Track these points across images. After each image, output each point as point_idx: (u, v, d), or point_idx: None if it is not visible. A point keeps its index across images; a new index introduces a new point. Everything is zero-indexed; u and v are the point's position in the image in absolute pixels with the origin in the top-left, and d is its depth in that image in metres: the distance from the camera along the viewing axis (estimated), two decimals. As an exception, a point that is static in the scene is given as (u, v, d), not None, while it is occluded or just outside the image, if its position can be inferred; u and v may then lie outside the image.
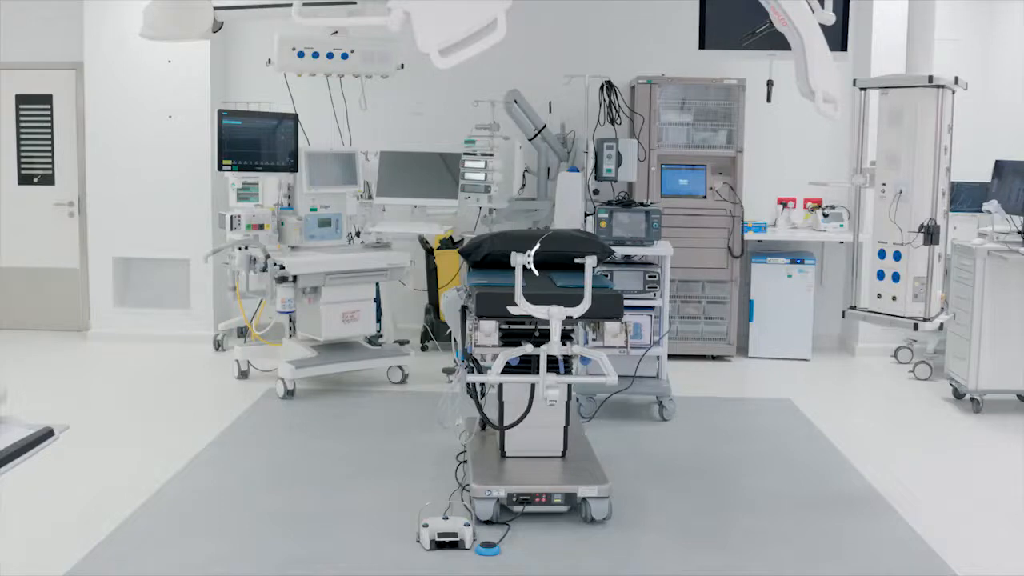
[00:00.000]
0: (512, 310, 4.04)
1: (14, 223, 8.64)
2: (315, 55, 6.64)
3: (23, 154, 8.70)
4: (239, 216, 6.57)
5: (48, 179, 8.70)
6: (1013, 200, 6.53)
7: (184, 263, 8.28)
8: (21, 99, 8.67)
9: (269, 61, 6.73)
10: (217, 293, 8.26)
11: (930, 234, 4.71)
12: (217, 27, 6.71)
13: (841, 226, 8.17)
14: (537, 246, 3.95)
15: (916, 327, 4.81)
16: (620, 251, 6.14)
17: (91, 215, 8.39)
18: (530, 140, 7.44)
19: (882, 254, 4.92)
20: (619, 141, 6.97)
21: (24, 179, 8.71)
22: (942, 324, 5.05)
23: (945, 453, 5.73)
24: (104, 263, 8.38)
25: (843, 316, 5.30)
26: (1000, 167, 6.87)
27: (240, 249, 6.47)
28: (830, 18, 4.34)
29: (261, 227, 6.60)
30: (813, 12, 4.16)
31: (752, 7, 4.10)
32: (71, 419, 2.87)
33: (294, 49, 6.63)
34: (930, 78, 4.70)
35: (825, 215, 8.26)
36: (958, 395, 6.67)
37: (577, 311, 4.09)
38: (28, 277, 8.78)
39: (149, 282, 8.51)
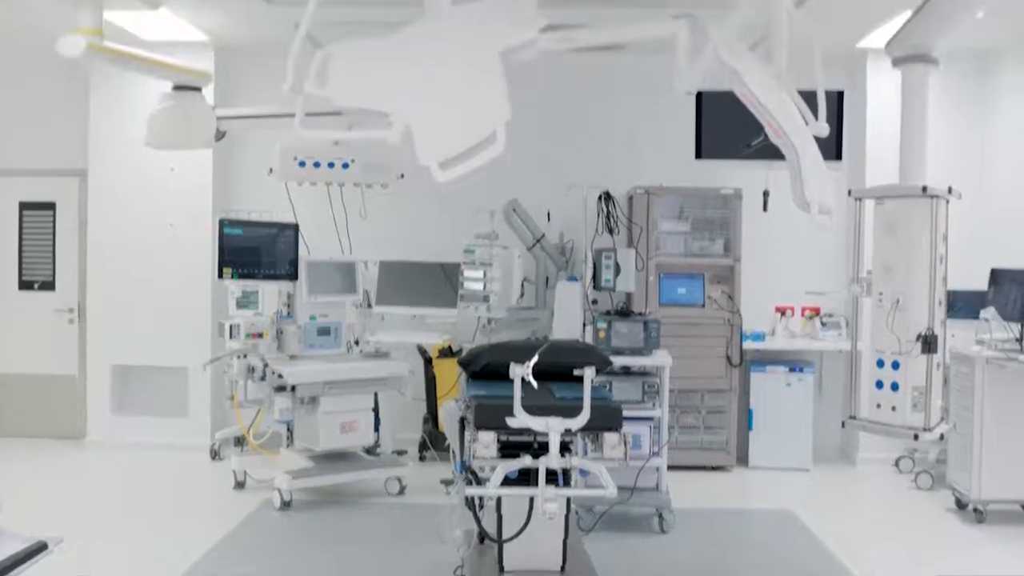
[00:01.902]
0: (511, 422, 4.01)
1: (13, 329, 8.66)
2: (316, 165, 6.72)
3: (25, 260, 8.75)
4: (238, 325, 6.58)
5: (48, 285, 8.74)
6: (1010, 307, 6.54)
7: (182, 371, 8.27)
8: (25, 206, 8.76)
9: (271, 170, 6.81)
10: (215, 401, 8.24)
11: (928, 344, 4.71)
12: (220, 136, 6.79)
13: (840, 334, 8.17)
14: (536, 358, 3.94)
15: (916, 437, 4.78)
16: (619, 361, 6.13)
17: (91, 321, 8.42)
18: (529, 249, 7.48)
19: (880, 363, 4.91)
20: (617, 251, 7.01)
21: (25, 285, 8.74)
22: (942, 434, 5.02)
23: (948, 565, 5.65)
24: (102, 370, 8.37)
25: (843, 426, 5.28)
26: (996, 275, 6.90)
27: (239, 358, 6.47)
28: (824, 130, 4.40)
29: (260, 336, 6.61)
30: (807, 124, 4.21)
31: (748, 118, 4.16)
32: (65, 528, 2.84)
33: (295, 158, 6.71)
34: (924, 188, 4.75)
35: (823, 323, 8.27)
36: (961, 505, 6.60)
37: (576, 423, 4.06)
38: (26, 383, 8.75)
39: (147, 390, 8.49)
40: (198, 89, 6.40)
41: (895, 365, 4.83)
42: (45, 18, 6.69)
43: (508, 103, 3.25)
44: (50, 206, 8.75)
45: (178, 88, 6.36)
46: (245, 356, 6.47)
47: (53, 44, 5.40)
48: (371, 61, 3.47)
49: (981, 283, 7.04)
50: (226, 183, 8.54)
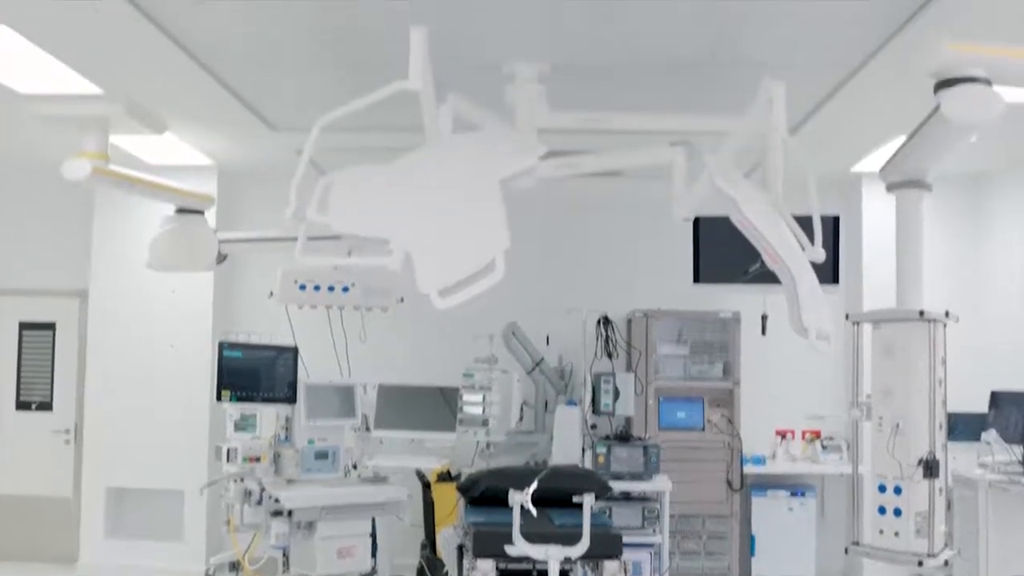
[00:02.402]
0: (510, 550, 3.97)
1: (9, 449, 8.59)
2: (316, 288, 6.75)
3: (23, 380, 8.73)
4: (236, 448, 6.53)
5: (46, 405, 8.70)
6: (1011, 430, 6.52)
7: (178, 494, 8.18)
8: (25, 326, 8.77)
9: (271, 293, 6.83)
10: (211, 526, 8.13)
11: (930, 468, 4.68)
12: (221, 259, 6.84)
13: (841, 458, 8.12)
14: (535, 484, 3.92)
15: (921, 564, 4.71)
16: (618, 487, 6.09)
17: (87, 443, 8.36)
18: (528, 373, 7.48)
19: (882, 488, 4.87)
20: (616, 375, 7.01)
21: (22, 405, 8.71)
22: (947, 560, 4.95)
23: None
24: (97, 492, 8.29)
25: (846, 552, 5.21)
26: (996, 397, 6.89)
27: (236, 482, 6.41)
28: (820, 255, 4.44)
29: (257, 459, 6.55)
30: (804, 250, 4.25)
31: (745, 243, 4.20)
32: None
33: (296, 282, 6.74)
34: (921, 312, 4.78)
35: (824, 447, 8.22)
36: (968, 633, 6.49)
37: (575, 552, 4.02)
38: (19, 505, 8.64)
39: (142, 513, 8.39)
40: (201, 212, 6.47)
41: (897, 490, 4.79)
42: (50, 139, 6.80)
43: (507, 231, 3.29)
44: (50, 326, 8.76)
45: (181, 211, 6.43)
46: (242, 480, 6.40)
47: (57, 165, 5.48)
48: (372, 188, 3.52)
49: (981, 405, 7.02)
50: (227, 305, 8.58)
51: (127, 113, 5.98)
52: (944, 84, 4.09)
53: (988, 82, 4.04)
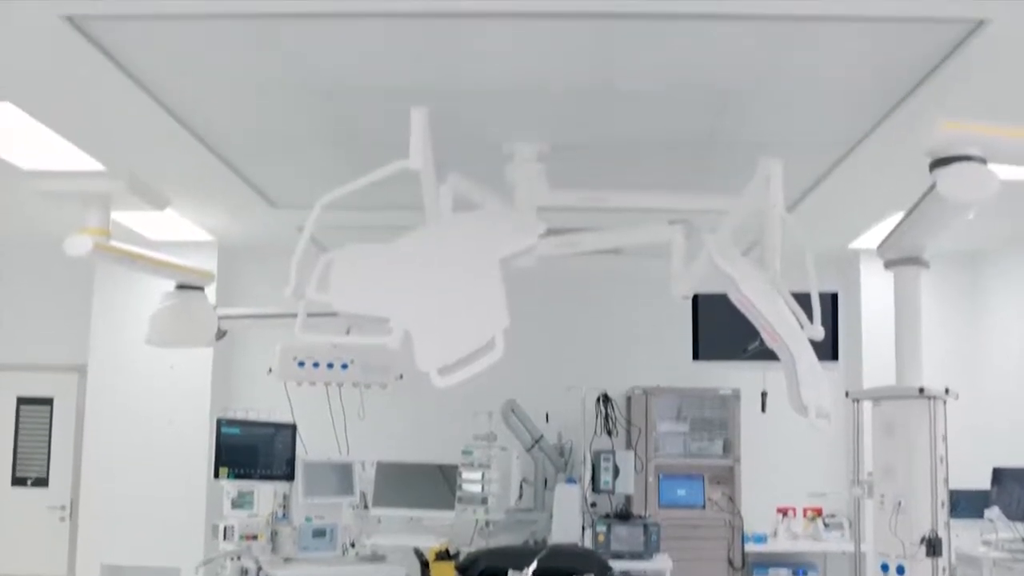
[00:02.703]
0: (509, 630, 3.92)
1: (3, 527, 8.50)
2: (315, 365, 6.73)
3: (20, 456, 8.67)
4: (232, 526, 6.47)
5: (42, 481, 8.63)
6: (1014, 507, 6.47)
7: (174, 572, 8.07)
8: (22, 400, 8.74)
9: (270, 369, 6.82)
10: (206, 604, 8.03)
11: (932, 546, 4.64)
12: (221, 335, 6.84)
13: (843, 535, 8.04)
14: (534, 564, 3.88)
15: (926, 645, 4.66)
16: (619, 566, 6.02)
17: (82, 519, 8.28)
18: (527, 451, 7.45)
19: (885, 567, 4.82)
20: (616, 453, 6.99)
21: (18, 481, 8.64)
22: (952, 640, 4.90)
23: None
24: (92, 570, 8.18)
25: (850, 633, 5.15)
26: (999, 474, 6.85)
27: (232, 560, 6.35)
28: (819, 333, 4.44)
29: (255, 537, 6.49)
30: (803, 328, 4.25)
31: (745, 320, 4.21)
32: None
33: (295, 358, 6.73)
34: (921, 390, 4.77)
35: (826, 524, 8.15)
36: None
37: (575, 633, 3.97)
38: (13, 585, 8.56)
39: (137, 591, 8.29)
40: (201, 288, 6.49)
41: (900, 569, 4.74)
42: (51, 215, 6.84)
43: (507, 310, 3.30)
44: (48, 401, 8.73)
45: (181, 287, 6.44)
46: (239, 558, 6.34)
47: (58, 240, 5.49)
48: (372, 267, 3.54)
49: (983, 482, 6.98)
50: (226, 381, 8.56)
51: (129, 189, 6.02)
52: (939, 162, 4.12)
53: (983, 160, 4.07)
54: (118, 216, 6.83)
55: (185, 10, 3.86)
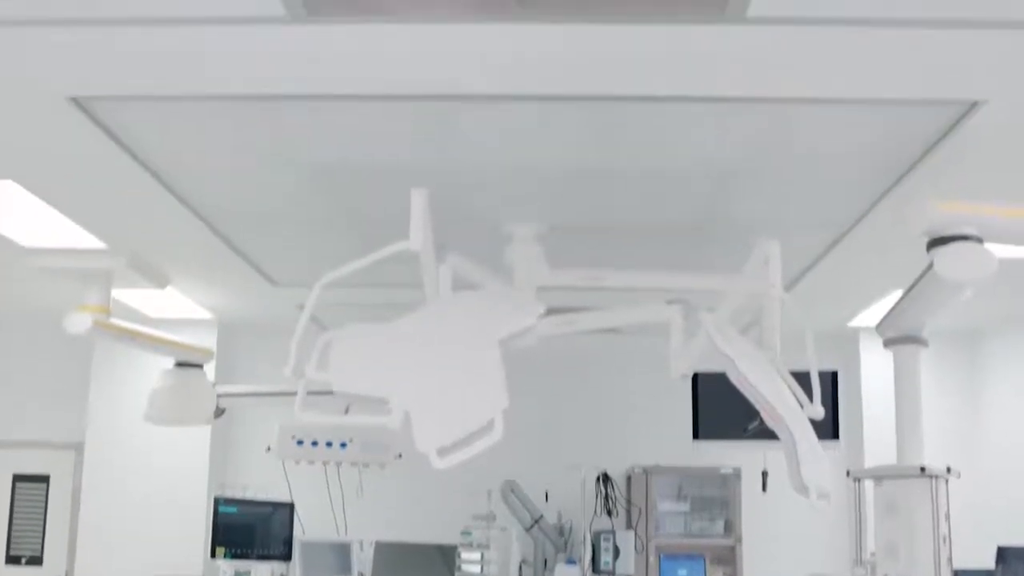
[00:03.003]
0: None
1: (-4, 607, 8.41)
2: (314, 443, 6.72)
3: (14, 533, 8.58)
4: (229, 607, 6.41)
5: (36, 560, 8.52)
6: (1020, 585, 6.41)
7: (170, 653, 7.98)
8: (18, 478, 8.67)
9: (268, 448, 6.80)
10: None
11: (938, 630, 4.59)
12: (219, 412, 6.83)
13: (846, 618, 7.96)
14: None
15: None
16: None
17: (75, 600, 8.19)
18: (527, 530, 7.39)
19: (890, 651, 4.76)
20: (616, 533, 6.94)
21: (12, 559, 8.53)
22: None
23: None
24: (86, 652, 8.07)
25: None
26: (1003, 553, 6.78)
27: (228, 641, 6.28)
28: (819, 413, 4.43)
29: (251, 618, 6.43)
30: (802, 407, 4.24)
31: (745, 399, 4.20)
32: None
33: (293, 437, 6.72)
34: (922, 468, 4.74)
35: (830, 606, 8.06)
36: None
37: None
38: (3, 668, 8.44)
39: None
40: (200, 365, 6.49)
41: (906, 650, 4.69)
42: (50, 291, 6.86)
43: (506, 391, 3.30)
44: (44, 479, 8.66)
45: (180, 364, 6.45)
46: (235, 639, 6.27)
47: (57, 316, 5.52)
48: (372, 347, 3.54)
49: (988, 561, 6.91)
50: (224, 459, 8.50)
51: (130, 267, 6.07)
52: (936, 242, 4.14)
53: (980, 240, 4.10)
54: (118, 293, 6.85)
55: (186, 91, 3.91)
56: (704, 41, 3.41)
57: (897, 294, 5.06)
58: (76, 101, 4.03)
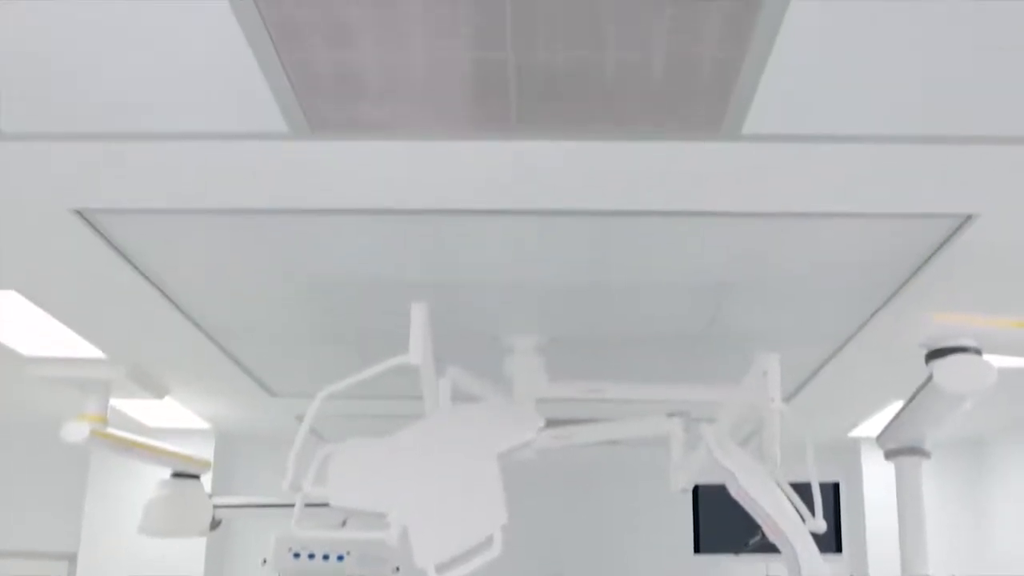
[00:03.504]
0: None
1: None
2: (311, 556, 6.63)
3: (3, 648, 8.46)
4: None
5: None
6: None
7: None
8: (9, 589, 8.57)
9: (264, 561, 6.71)
10: None
11: None
12: (215, 524, 6.76)
13: None
14: None
15: None
16: None
17: None
18: (525, 643, 7.26)
19: None
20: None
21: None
22: None
23: None
24: None
25: None
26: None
27: None
28: (821, 527, 4.40)
29: None
30: (804, 520, 4.21)
31: (746, 512, 4.17)
32: None
33: (290, 549, 6.63)
34: (926, 580, 4.69)
35: None
36: None
37: None
38: None
39: None
40: (197, 476, 6.45)
41: None
42: (47, 399, 6.85)
43: (505, 507, 3.29)
44: (36, 590, 8.56)
45: (177, 475, 6.41)
46: None
47: (53, 424, 5.49)
48: (370, 461, 3.54)
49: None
50: (219, 571, 8.40)
51: (129, 378, 6.07)
52: (935, 354, 4.16)
53: (979, 351, 4.11)
54: (116, 403, 6.84)
55: (189, 205, 3.96)
56: (700, 157, 3.46)
57: (897, 405, 5.05)
58: (80, 213, 4.07)
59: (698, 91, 3.04)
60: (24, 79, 3.04)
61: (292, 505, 3.56)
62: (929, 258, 4.41)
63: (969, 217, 3.97)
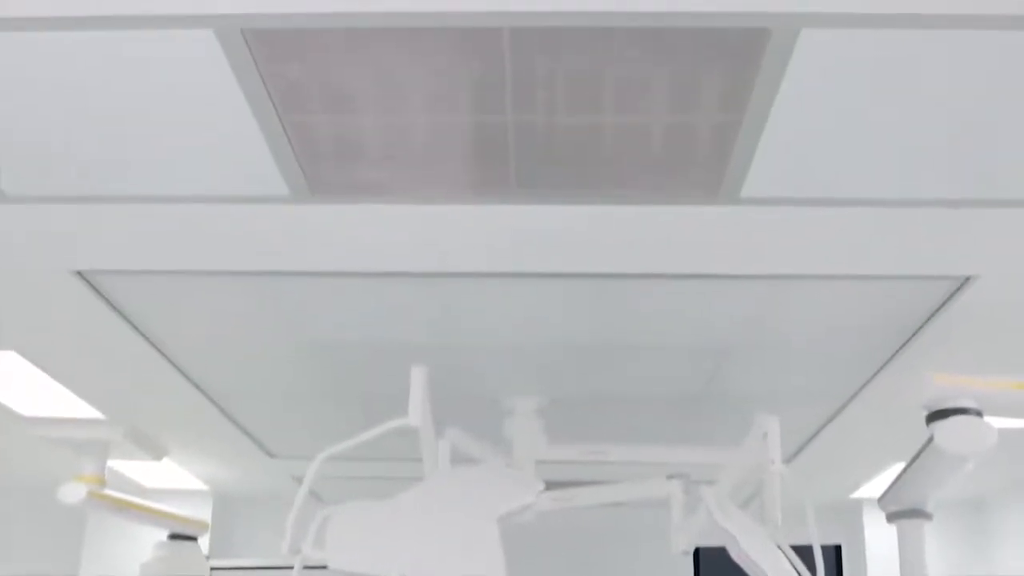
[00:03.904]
0: None
1: None
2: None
3: None
4: None
5: None
6: None
7: None
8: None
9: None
10: None
11: None
12: (212, 587, 6.71)
13: None
14: None
15: None
16: None
17: None
18: None
19: None
20: None
21: None
22: None
23: None
24: None
25: None
26: None
27: None
28: (822, 588, 4.38)
29: None
30: (806, 583, 4.18)
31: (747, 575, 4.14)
32: None
33: (287, 614, 6.58)
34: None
35: None
36: None
37: None
38: None
39: None
40: (194, 538, 6.40)
41: None
42: (44, 459, 6.81)
43: (505, 570, 3.27)
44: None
45: (174, 537, 6.36)
46: None
47: (48, 485, 5.45)
48: (370, 524, 3.52)
49: None
50: (215, 634, 8.31)
51: (127, 439, 6.04)
52: (936, 415, 4.14)
53: (979, 413, 4.10)
54: (114, 463, 6.81)
55: (191, 267, 3.98)
56: (699, 221, 3.48)
57: (899, 466, 5.02)
58: (81, 275, 4.09)
59: (696, 155, 3.06)
60: (26, 142, 3.07)
61: (291, 567, 3.54)
62: (928, 319, 4.42)
63: (968, 279, 3.99)
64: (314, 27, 2.50)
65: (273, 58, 2.63)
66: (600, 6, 2.37)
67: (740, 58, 2.59)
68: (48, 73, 2.70)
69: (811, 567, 4.19)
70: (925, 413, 4.19)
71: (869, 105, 2.78)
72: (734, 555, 4.03)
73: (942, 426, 4.11)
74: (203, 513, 7.26)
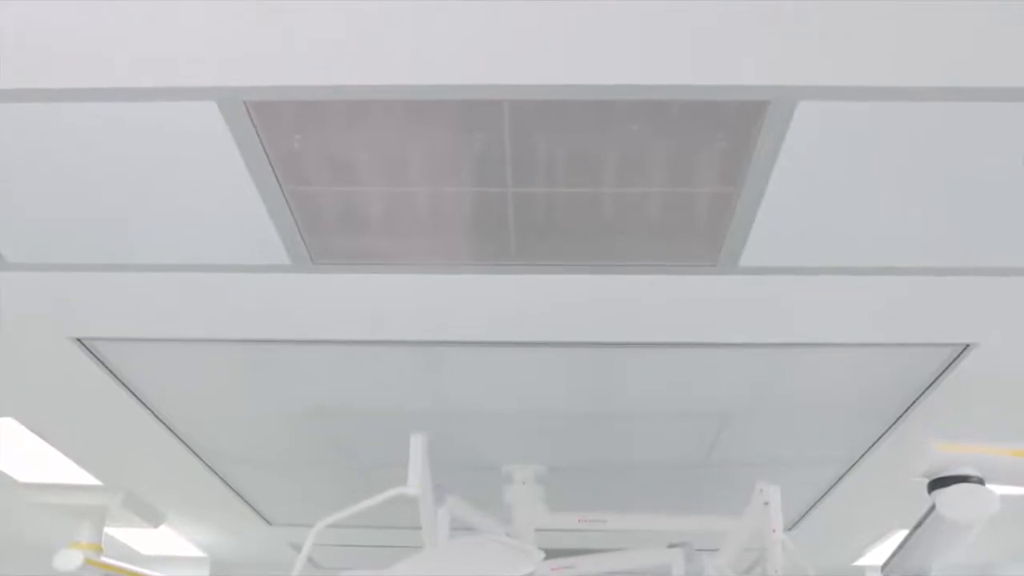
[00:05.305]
0: None
1: None
2: None
3: None
4: None
5: None
6: None
7: None
8: None
9: None
10: None
11: None
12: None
13: None
14: None
15: None
16: None
17: None
18: None
19: None
20: None
21: None
22: None
23: None
24: None
25: None
26: None
27: None
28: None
29: None
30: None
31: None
32: None
33: None
34: None
35: None
36: None
37: None
38: None
39: None
40: (191, 608, 6.35)
41: None
42: (41, 525, 6.76)
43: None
44: None
45: (171, 607, 6.31)
46: None
47: (46, 552, 5.40)
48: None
49: None
50: None
51: (124, 506, 6.02)
52: (937, 483, 4.12)
53: (981, 480, 4.08)
54: (110, 530, 6.76)
55: (190, 335, 3.98)
56: (698, 290, 3.49)
57: (902, 533, 4.97)
58: (80, 341, 4.09)
59: (695, 226, 3.08)
60: (28, 209, 3.08)
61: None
62: (929, 387, 4.41)
63: (968, 346, 3.99)
64: (316, 99, 2.52)
65: (275, 129, 2.65)
66: (599, 79, 2.40)
67: (738, 130, 2.61)
68: (51, 143, 2.72)
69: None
70: (926, 481, 4.16)
71: (866, 175, 2.80)
72: (736, 626, 4.00)
73: (944, 494, 4.07)
74: (200, 582, 7.19)
